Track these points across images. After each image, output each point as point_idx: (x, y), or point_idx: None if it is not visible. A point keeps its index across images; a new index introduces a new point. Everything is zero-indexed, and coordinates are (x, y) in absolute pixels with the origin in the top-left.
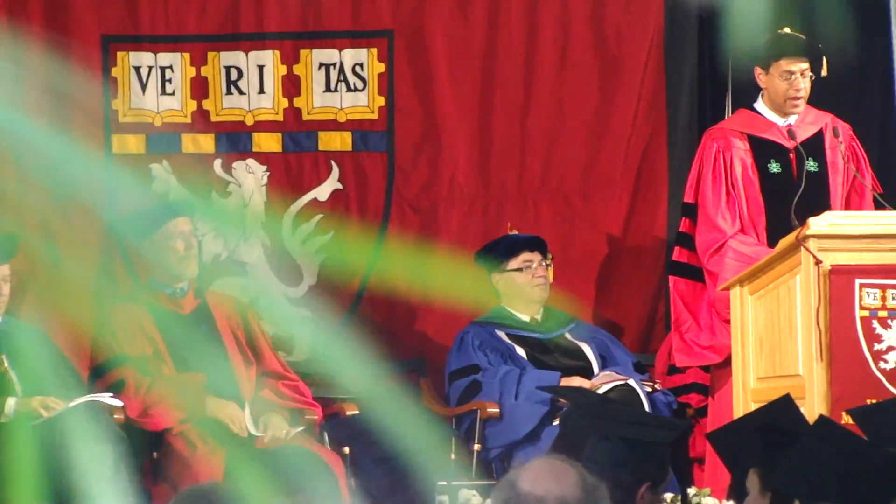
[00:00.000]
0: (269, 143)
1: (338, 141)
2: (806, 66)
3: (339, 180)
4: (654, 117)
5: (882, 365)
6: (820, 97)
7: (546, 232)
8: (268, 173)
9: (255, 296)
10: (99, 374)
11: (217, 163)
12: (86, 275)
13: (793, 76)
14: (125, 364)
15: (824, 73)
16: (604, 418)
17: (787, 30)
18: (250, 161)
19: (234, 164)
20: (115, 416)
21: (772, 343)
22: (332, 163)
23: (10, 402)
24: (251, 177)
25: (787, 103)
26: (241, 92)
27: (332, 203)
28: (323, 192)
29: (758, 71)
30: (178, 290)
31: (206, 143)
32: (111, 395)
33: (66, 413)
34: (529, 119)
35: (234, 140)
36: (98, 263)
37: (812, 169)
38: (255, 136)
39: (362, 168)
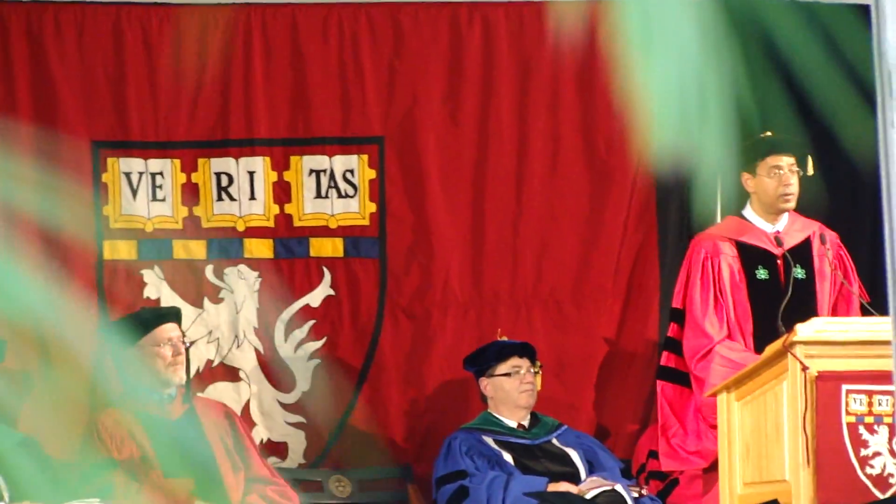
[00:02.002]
0: (260, 249)
1: (329, 247)
2: (793, 161)
3: (332, 286)
4: (645, 225)
5: (868, 470)
6: (811, 203)
7: (539, 338)
8: (260, 279)
9: (248, 401)
10: (87, 480)
11: (209, 269)
12: (78, 380)
13: (781, 171)
14: (113, 469)
15: (810, 171)
16: None
17: (768, 133)
18: (242, 267)
19: (226, 270)
20: None
21: (758, 448)
22: (324, 269)
23: None
24: (243, 283)
25: (778, 200)
26: (231, 198)
27: (324, 309)
28: (315, 298)
29: (745, 176)
30: (165, 396)
31: (198, 249)
32: (99, 500)
33: None
34: (521, 226)
35: (226, 246)
36: (91, 368)
37: (799, 276)
38: (247, 242)
39: (354, 274)
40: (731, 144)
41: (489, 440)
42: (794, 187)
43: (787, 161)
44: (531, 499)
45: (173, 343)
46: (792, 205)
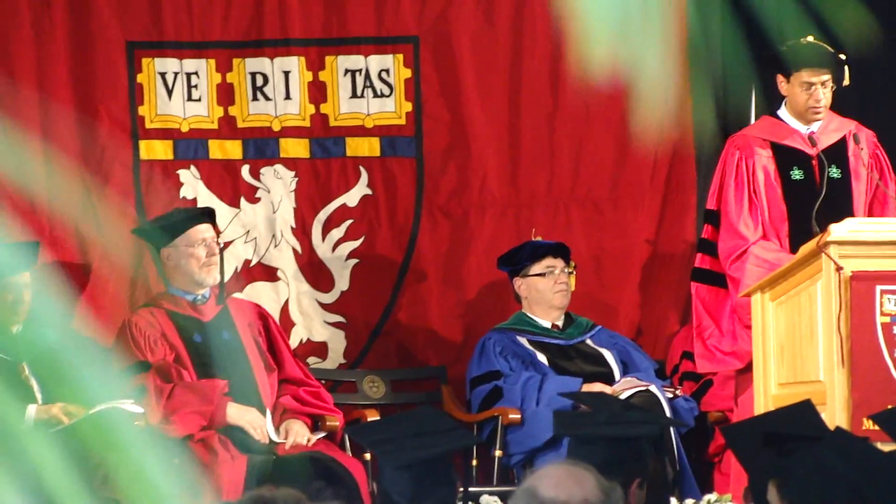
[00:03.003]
0: (296, 149)
1: (366, 147)
2: (827, 77)
3: (369, 186)
4: (681, 124)
5: None
6: (847, 103)
7: (576, 238)
8: (296, 179)
9: (286, 301)
10: (121, 381)
11: (245, 168)
12: (116, 279)
13: (813, 87)
14: (146, 370)
15: (846, 82)
16: (580, 421)
17: (810, 38)
18: (278, 167)
19: (263, 170)
20: (137, 423)
21: (793, 349)
22: (361, 168)
23: (31, 409)
24: (279, 182)
25: (807, 112)
26: (267, 98)
27: (361, 209)
28: (352, 197)
29: (780, 78)
30: (199, 297)
31: (234, 149)
32: (132, 401)
33: (87, 420)
34: (557, 124)
35: (262, 146)
36: (130, 267)
37: (834, 176)
38: (283, 141)
39: (391, 173)
40: (669, 57)
41: (523, 340)
42: (824, 102)
43: (820, 78)
44: (565, 399)
45: (207, 244)
46: (821, 117)
